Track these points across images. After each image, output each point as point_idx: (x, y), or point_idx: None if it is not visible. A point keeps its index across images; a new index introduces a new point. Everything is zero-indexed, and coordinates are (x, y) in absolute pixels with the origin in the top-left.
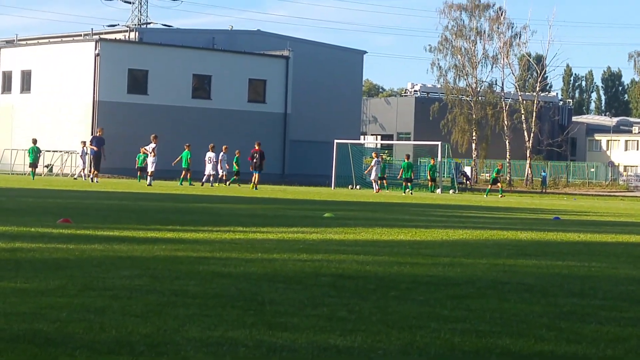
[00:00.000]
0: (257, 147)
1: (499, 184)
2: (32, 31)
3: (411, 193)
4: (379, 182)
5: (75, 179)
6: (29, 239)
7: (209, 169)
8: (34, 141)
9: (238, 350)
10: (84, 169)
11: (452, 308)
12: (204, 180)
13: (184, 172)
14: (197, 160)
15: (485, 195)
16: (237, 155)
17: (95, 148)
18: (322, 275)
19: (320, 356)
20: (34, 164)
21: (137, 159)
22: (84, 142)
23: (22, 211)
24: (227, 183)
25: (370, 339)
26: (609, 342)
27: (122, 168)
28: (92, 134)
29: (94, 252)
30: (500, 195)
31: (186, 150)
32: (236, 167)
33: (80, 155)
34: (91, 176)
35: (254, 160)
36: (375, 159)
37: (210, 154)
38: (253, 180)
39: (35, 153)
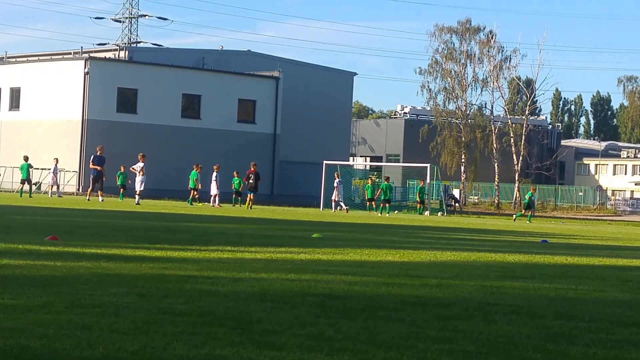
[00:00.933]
0: (252, 168)
1: (530, 211)
2: (22, 49)
3: (387, 214)
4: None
5: (60, 196)
6: (16, 255)
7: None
8: (26, 158)
9: None
10: (52, 186)
11: (439, 329)
12: (215, 200)
13: (192, 192)
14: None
15: (528, 221)
16: (235, 177)
17: (98, 167)
18: (310, 295)
19: None
20: (27, 180)
21: (117, 176)
22: (57, 159)
23: (9, 228)
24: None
25: (358, 359)
26: None
27: (111, 187)
28: (80, 152)
29: (82, 269)
30: (528, 222)
31: (194, 170)
32: (235, 187)
33: (53, 172)
34: (100, 197)
35: (249, 181)
36: (337, 179)
37: (215, 174)
38: (247, 201)
39: (27, 170)
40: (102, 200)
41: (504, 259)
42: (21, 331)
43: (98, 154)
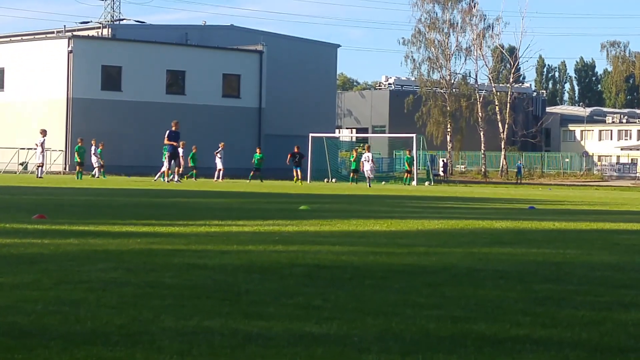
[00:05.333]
0: (296, 150)
1: None
2: (4, 29)
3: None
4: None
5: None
6: (3, 234)
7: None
8: (81, 140)
9: (214, 339)
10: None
11: (427, 295)
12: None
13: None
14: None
15: None
16: (193, 152)
17: (174, 143)
18: (298, 265)
19: (295, 343)
20: (80, 164)
21: (75, 151)
22: (44, 131)
23: None
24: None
25: (346, 326)
26: (584, 326)
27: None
28: (66, 131)
29: (69, 246)
30: None
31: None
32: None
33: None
34: (174, 177)
35: (295, 159)
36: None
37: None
38: (296, 176)
39: (81, 153)
40: (179, 181)
41: (491, 226)
42: (9, 308)
43: (173, 129)
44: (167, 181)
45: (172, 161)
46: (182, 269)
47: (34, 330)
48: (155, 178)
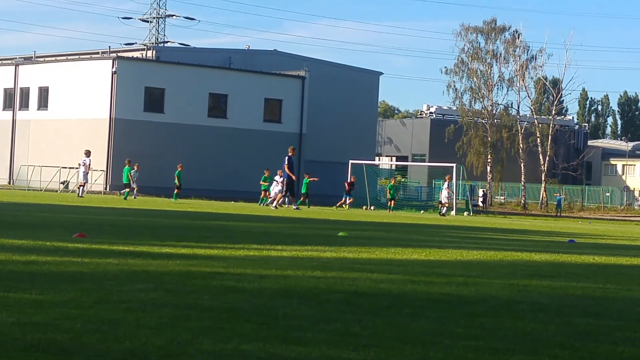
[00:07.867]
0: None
1: None
2: (50, 48)
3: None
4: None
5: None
6: (44, 252)
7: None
8: (128, 162)
9: None
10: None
11: (465, 326)
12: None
13: (263, 193)
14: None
15: None
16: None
17: (288, 171)
18: (336, 291)
19: None
20: (128, 185)
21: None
22: (88, 151)
23: (37, 225)
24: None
25: (383, 354)
26: None
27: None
28: (107, 151)
29: (109, 266)
30: None
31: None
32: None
33: (84, 165)
34: (286, 201)
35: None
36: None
37: (278, 177)
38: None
39: (127, 173)
40: (297, 208)
41: (530, 258)
42: (49, 325)
43: (290, 154)
44: (274, 207)
45: (290, 189)
46: (220, 292)
47: (72, 348)
48: (274, 205)
